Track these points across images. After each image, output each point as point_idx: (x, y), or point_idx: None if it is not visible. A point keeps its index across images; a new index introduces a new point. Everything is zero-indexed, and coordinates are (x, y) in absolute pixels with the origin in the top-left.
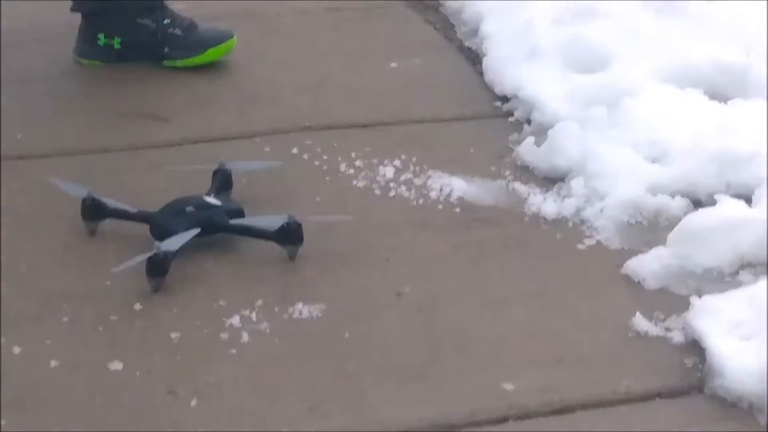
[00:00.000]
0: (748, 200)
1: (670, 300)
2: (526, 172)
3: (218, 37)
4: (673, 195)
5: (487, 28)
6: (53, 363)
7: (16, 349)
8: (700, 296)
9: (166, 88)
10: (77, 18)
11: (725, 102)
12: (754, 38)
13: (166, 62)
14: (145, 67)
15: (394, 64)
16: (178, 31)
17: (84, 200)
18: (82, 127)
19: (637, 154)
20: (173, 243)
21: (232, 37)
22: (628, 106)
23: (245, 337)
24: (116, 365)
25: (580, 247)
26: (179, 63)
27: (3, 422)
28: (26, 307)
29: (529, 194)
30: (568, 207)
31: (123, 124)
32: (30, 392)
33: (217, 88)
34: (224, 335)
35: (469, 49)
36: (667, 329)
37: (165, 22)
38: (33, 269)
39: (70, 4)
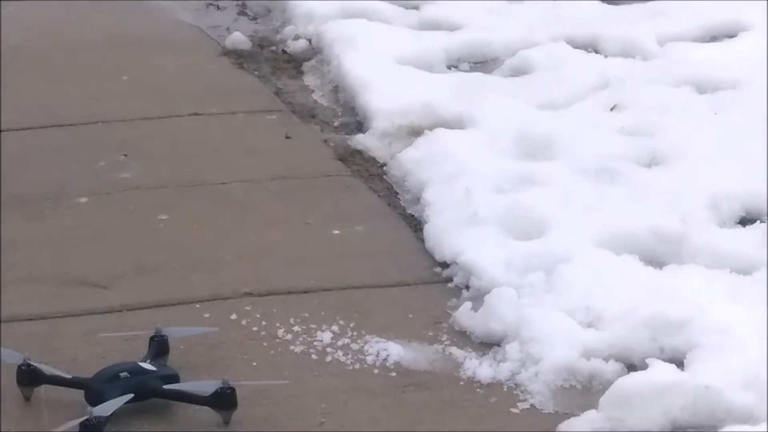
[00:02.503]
0: (681, 364)
1: None
2: (462, 337)
3: None
4: (606, 359)
5: (429, 195)
6: None
7: None
8: None
9: (106, 256)
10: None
11: (660, 268)
12: (690, 206)
13: None
14: (88, 234)
15: (336, 231)
16: None
17: (20, 367)
18: (22, 294)
19: (572, 319)
20: (106, 408)
21: None
22: (564, 272)
23: None
24: None
25: (514, 410)
26: None
27: None
28: None
29: (465, 359)
30: (503, 371)
31: (62, 291)
32: None
33: (159, 255)
34: None
35: (412, 216)
36: None
37: None
38: None
39: None
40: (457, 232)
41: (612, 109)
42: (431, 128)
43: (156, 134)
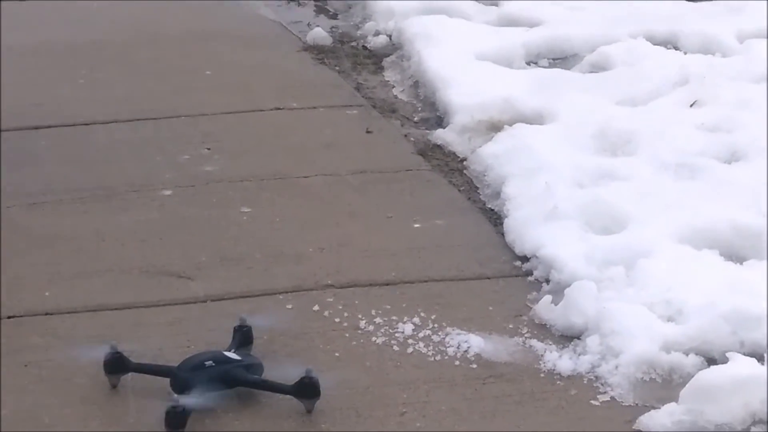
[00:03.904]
0: (761, 358)
1: None
2: (543, 330)
3: None
4: (687, 353)
5: (509, 190)
6: None
7: None
8: None
9: (191, 247)
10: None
11: (741, 263)
12: None
13: None
14: (172, 225)
15: (417, 225)
16: None
17: (107, 355)
18: (109, 284)
19: (652, 313)
20: (192, 397)
21: None
22: (645, 267)
23: None
24: None
25: (594, 402)
26: None
27: None
28: None
29: (545, 351)
30: (584, 364)
31: (148, 282)
32: None
33: (242, 247)
34: None
35: (492, 210)
36: None
37: None
38: (56, 422)
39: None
40: (537, 226)
41: (692, 106)
42: (511, 123)
43: (239, 128)
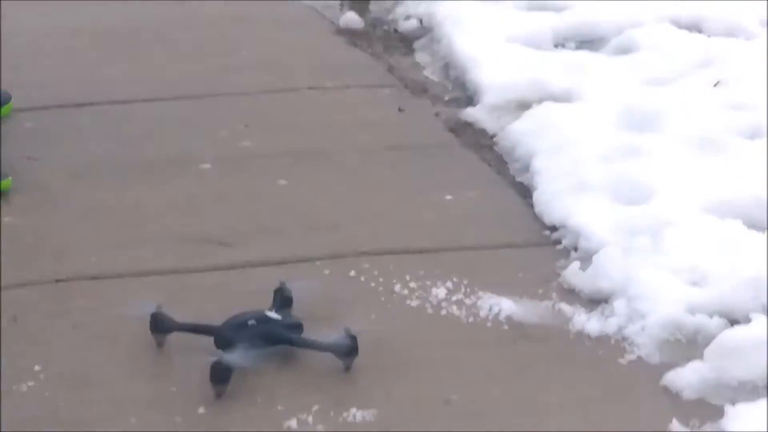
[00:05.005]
0: None
1: (706, 409)
2: (571, 295)
3: None
4: (711, 315)
5: (538, 164)
6: None
7: None
8: (734, 405)
9: (230, 217)
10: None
11: (763, 232)
12: None
13: None
14: (211, 197)
15: (448, 197)
16: None
17: (153, 315)
18: (151, 251)
19: (677, 278)
20: (235, 354)
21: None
22: (670, 235)
23: None
24: None
25: (621, 361)
26: None
27: None
28: (96, 412)
29: (573, 314)
30: (611, 325)
31: (189, 249)
32: None
33: (279, 217)
34: None
35: (521, 183)
36: None
37: None
38: (103, 378)
39: None
40: (565, 197)
41: (715, 86)
42: (539, 102)
43: (275, 106)
